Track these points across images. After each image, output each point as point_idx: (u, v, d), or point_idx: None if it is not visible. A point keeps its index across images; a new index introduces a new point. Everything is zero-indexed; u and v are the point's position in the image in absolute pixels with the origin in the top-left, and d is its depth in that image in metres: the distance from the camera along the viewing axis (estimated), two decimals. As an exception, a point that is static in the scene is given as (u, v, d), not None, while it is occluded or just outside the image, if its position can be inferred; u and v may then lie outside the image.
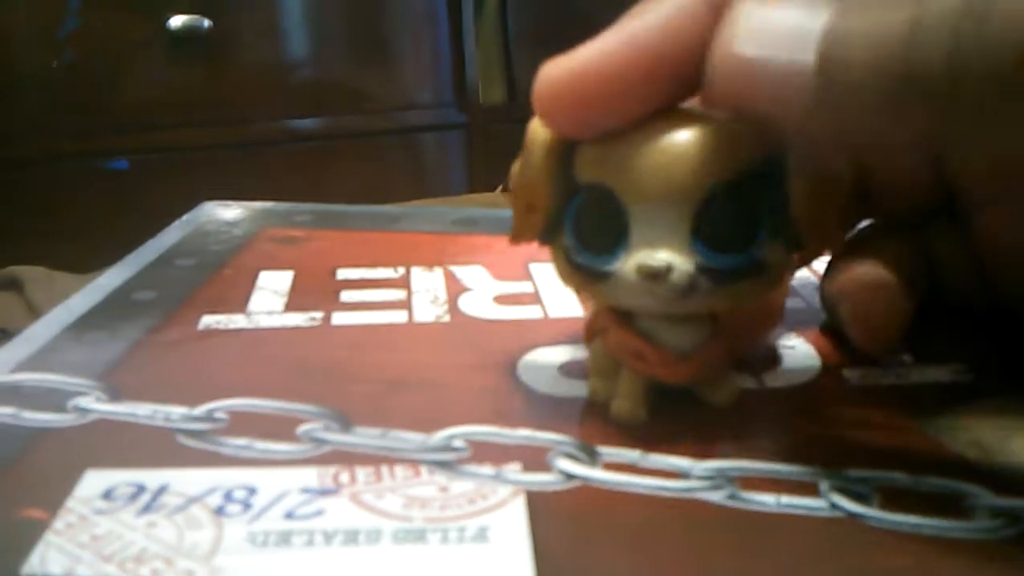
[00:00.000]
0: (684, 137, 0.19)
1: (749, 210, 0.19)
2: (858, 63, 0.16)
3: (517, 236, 0.22)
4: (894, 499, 0.18)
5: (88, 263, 0.50)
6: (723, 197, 0.19)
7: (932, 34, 0.16)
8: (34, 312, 0.46)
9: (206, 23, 1.19)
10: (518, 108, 1.37)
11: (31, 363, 0.25)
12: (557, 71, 0.19)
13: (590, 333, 0.22)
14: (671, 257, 0.19)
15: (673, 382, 0.21)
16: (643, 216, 0.19)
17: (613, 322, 0.21)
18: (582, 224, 0.21)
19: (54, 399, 0.22)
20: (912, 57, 0.16)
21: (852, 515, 0.18)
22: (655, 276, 0.19)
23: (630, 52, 0.19)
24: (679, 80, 0.19)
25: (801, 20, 0.17)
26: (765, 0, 0.17)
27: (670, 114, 0.20)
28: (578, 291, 0.23)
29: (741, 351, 0.23)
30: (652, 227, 0.19)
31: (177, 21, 1.18)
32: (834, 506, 0.18)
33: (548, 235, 0.22)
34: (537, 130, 0.21)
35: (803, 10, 0.17)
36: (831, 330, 0.26)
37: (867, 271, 0.23)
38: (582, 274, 0.21)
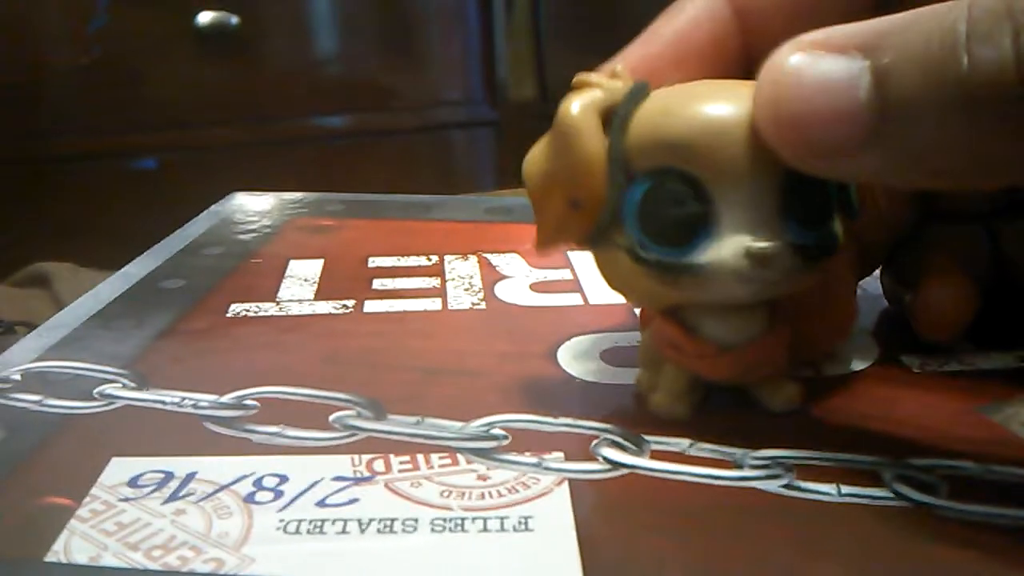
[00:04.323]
0: None
1: (823, 181, 0.17)
2: (916, 92, 0.14)
3: (551, 239, 0.20)
4: (962, 488, 0.17)
5: (116, 261, 0.50)
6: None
7: (993, 39, 0.14)
8: (61, 307, 0.46)
9: (234, 20, 1.18)
10: (549, 105, 1.35)
11: (57, 351, 0.24)
12: None
13: (645, 320, 0.21)
14: (773, 238, 0.17)
15: (712, 377, 0.20)
16: (732, 198, 0.17)
17: (658, 311, 0.20)
18: (650, 215, 0.18)
19: (80, 386, 0.22)
20: (974, 72, 0.14)
21: (919, 504, 0.17)
22: (765, 260, 0.17)
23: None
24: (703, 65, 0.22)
25: (847, 64, 0.15)
26: (805, 49, 0.16)
27: (727, 89, 0.18)
28: (643, 293, 0.20)
29: (809, 355, 0.22)
30: (743, 209, 0.17)
31: (205, 18, 1.17)
32: (899, 495, 0.17)
33: (600, 234, 0.19)
34: (580, 117, 0.18)
35: (845, 55, 0.15)
36: (890, 317, 0.25)
37: (934, 261, 0.23)
38: (657, 271, 0.18)
